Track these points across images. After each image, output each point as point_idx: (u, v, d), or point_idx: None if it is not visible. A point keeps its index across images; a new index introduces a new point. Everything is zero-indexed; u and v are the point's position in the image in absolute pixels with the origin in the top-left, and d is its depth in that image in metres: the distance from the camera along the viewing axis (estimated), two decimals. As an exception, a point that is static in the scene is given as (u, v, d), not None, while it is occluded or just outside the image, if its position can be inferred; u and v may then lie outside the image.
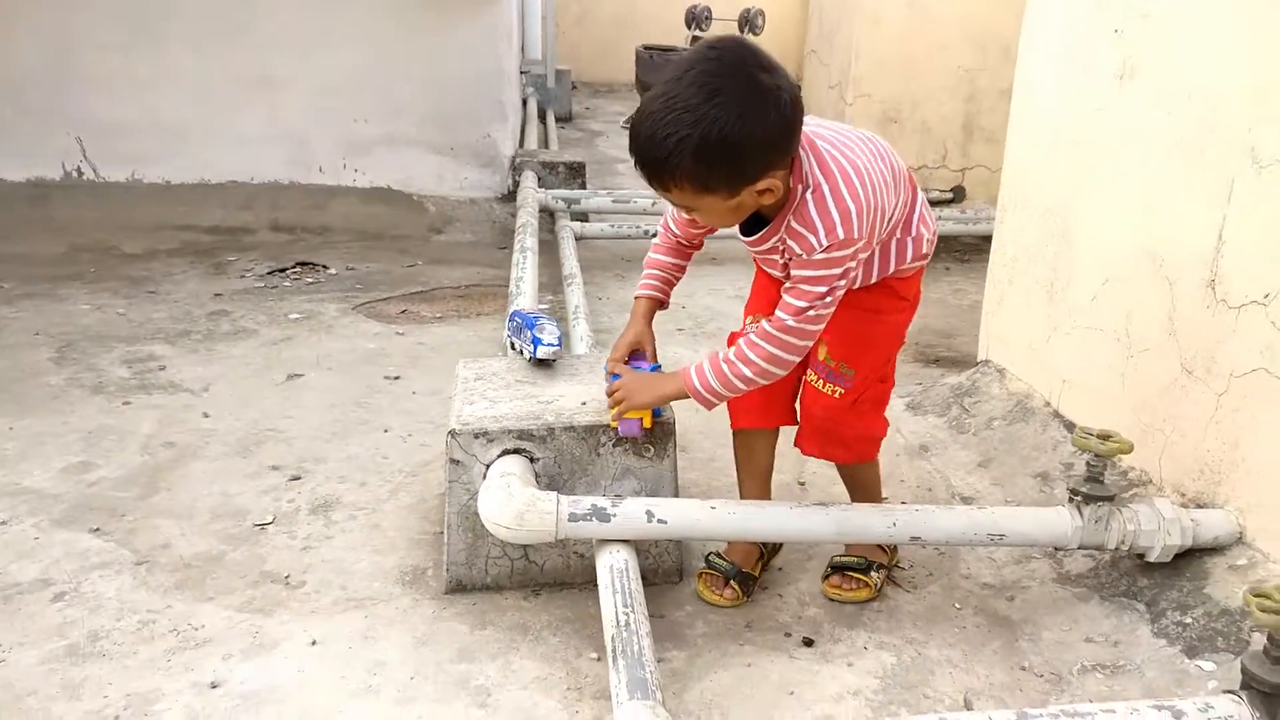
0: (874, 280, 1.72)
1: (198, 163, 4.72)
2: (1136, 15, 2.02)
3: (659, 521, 1.65)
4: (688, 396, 1.66)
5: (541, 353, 1.97)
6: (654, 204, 4.33)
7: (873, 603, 1.83)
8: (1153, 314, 1.96)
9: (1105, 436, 1.70)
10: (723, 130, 1.37)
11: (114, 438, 2.45)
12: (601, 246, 4.33)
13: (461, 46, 4.60)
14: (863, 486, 1.92)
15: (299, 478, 2.28)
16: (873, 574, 1.84)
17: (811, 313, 1.55)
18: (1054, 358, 2.33)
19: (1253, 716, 1.26)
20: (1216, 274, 1.78)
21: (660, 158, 1.41)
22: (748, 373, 1.60)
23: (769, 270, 1.75)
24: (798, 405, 1.84)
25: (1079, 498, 1.71)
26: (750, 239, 1.63)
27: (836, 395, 1.76)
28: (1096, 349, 2.15)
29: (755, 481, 1.93)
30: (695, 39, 8.31)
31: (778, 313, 1.57)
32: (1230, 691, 1.30)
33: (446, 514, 1.82)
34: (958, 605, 1.83)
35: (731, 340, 1.72)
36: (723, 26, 8.65)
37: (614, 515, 1.64)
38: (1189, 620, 1.65)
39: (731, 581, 1.82)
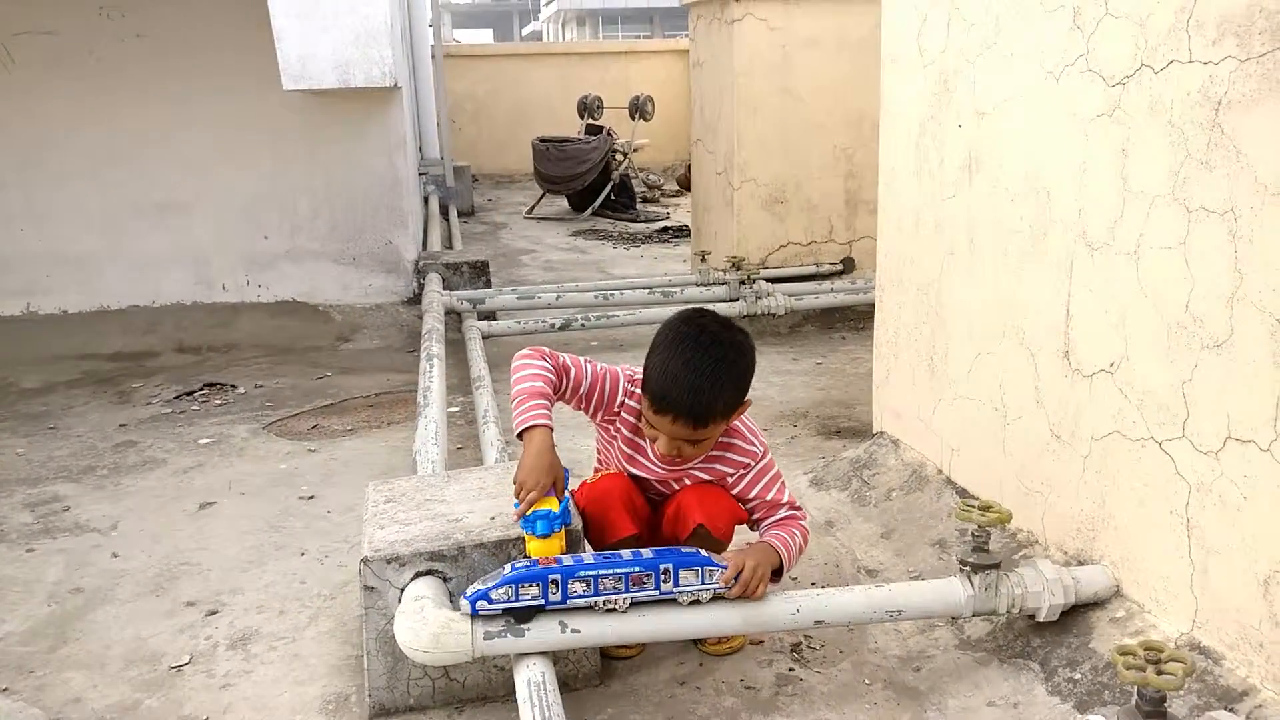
0: None
1: (97, 290, 4.68)
2: (972, 112, 2.21)
3: (573, 632, 1.69)
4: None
5: None
6: (557, 298, 4.44)
7: (790, 686, 1.89)
8: (1021, 383, 2.10)
9: (986, 508, 1.82)
10: (746, 363, 1.81)
11: (18, 588, 2.39)
12: (509, 342, 4.39)
13: (358, 159, 4.68)
14: None
15: (216, 612, 2.26)
16: None
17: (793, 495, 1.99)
18: (941, 427, 2.47)
19: (1132, 768, 1.35)
20: (1069, 345, 1.94)
21: (716, 408, 1.75)
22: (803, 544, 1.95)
23: (632, 468, 1.98)
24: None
25: (968, 567, 1.81)
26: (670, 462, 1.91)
27: None
28: (977, 418, 2.29)
29: None
30: (590, 128, 8.57)
31: (789, 511, 1.95)
32: (1111, 746, 1.40)
33: (364, 640, 1.83)
34: (867, 681, 1.90)
35: (585, 489, 1.99)
36: (614, 115, 8.96)
37: (528, 630, 1.68)
38: (1078, 676, 1.75)
39: None
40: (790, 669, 1.95)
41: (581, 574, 1.66)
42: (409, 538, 1.84)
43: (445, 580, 1.81)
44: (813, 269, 4.67)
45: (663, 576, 1.69)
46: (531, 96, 10.57)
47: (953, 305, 2.38)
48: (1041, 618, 1.83)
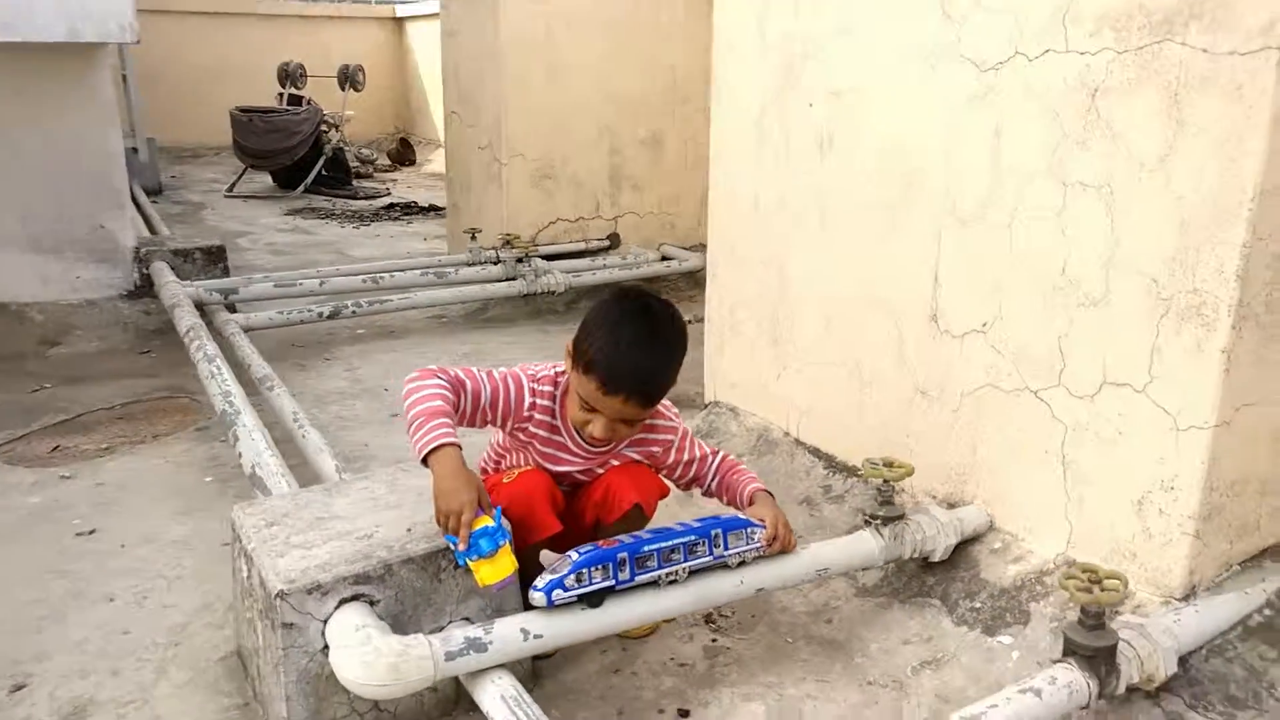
0: None
1: None
2: (826, 93, 2.32)
3: (535, 637, 1.60)
4: None
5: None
6: (321, 284, 4.09)
7: (720, 656, 1.91)
8: (882, 347, 2.26)
9: (889, 464, 1.94)
10: (686, 339, 1.78)
11: None
12: (270, 335, 3.99)
13: (58, 129, 3.98)
14: None
15: (23, 686, 1.86)
16: None
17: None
18: (787, 393, 2.59)
19: (1084, 675, 1.52)
20: (937, 310, 2.11)
21: (665, 385, 1.75)
22: None
23: (552, 466, 1.89)
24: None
25: (878, 520, 1.94)
26: (598, 450, 1.87)
27: None
28: (830, 382, 2.43)
29: None
30: (295, 98, 7.95)
31: (718, 456, 2.01)
32: (1059, 661, 1.56)
33: (282, 684, 1.59)
34: (789, 639, 1.97)
35: (502, 490, 1.82)
36: (319, 84, 8.37)
37: (490, 643, 1.56)
38: (978, 605, 1.94)
39: None
40: (713, 640, 1.98)
41: (646, 549, 1.65)
42: (323, 562, 1.63)
43: (372, 604, 1.63)
44: (582, 245, 4.68)
45: (714, 542, 1.71)
46: (214, 61, 9.55)
47: (799, 277, 2.50)
48: (937, 558, 2.00)
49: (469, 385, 1.76)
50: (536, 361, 1.92)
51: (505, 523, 1.64)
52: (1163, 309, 1.67)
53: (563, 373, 1.84)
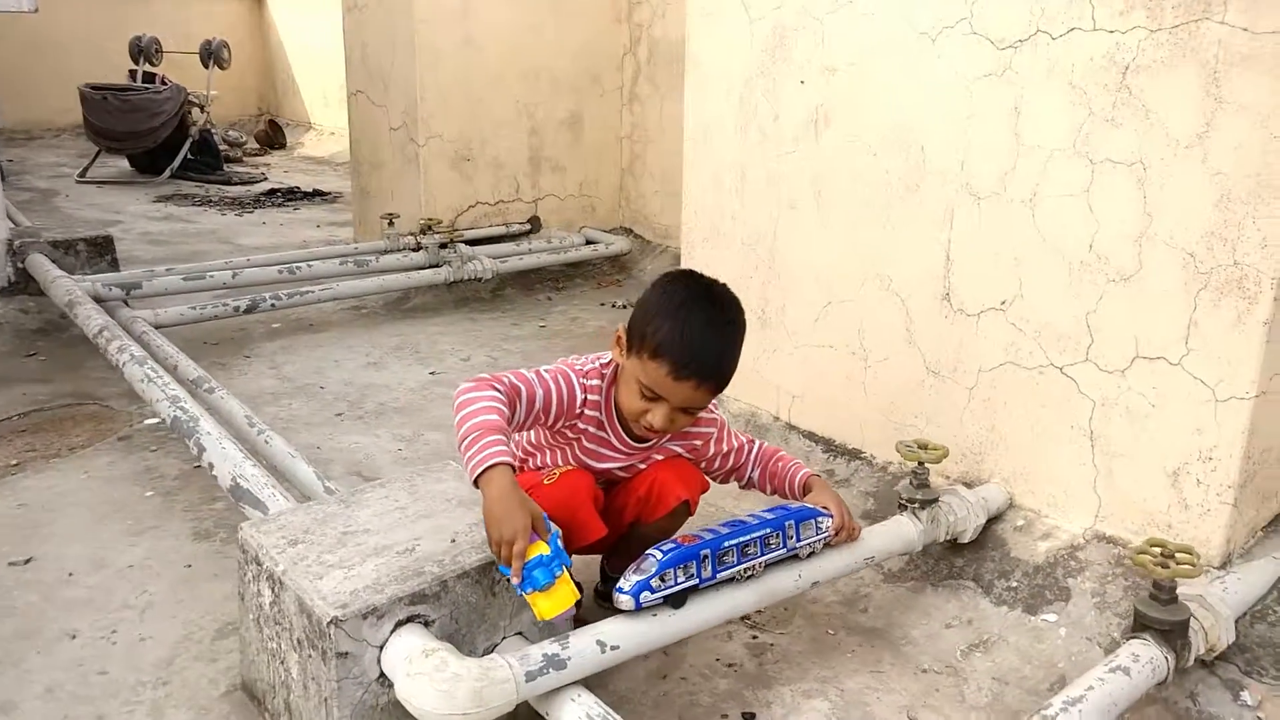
0: None
1: None
2: (820, 69, 2.28)
3: (613, 649, 1.49)
4: None
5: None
6: (234, 276, 3.77)
7: (766, 654, 1.86)
8: (887, 327, 2.25)
9: (923, 446, 1.93)
10: (744, 323, 1.70)
11: None
12: (177, 333, 3.65)
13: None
14: None
15: (-7, 743, 1.62)
16: None
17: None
18: (778, 377, 2.55)
19: (1161, 650, 1.54)
20: (949, 289, 2.11)
21: (734, 365, 1.66)
22: None
23: (594, 463, 1.80)
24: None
25: (915, 504, 1.92)
26: (643, 444, 1.79)
27: None
28: (828, 363, 2.40)
29: None
30: (149, 75, 7.37)
31: (755, 444, 1.93)
32: (1135, 636, 1.58)
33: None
34: (831, 631, 1.94)
35: (544, 491, 1.70)
36: (178, 61, 7.78)
37: (569, 659, 1.44)
38: (1014, 584, 1.95)
39: None
40: (754, 637, 1.92)
41: (726, 544, 1.59)
42: (371, 582, 1.48)
43: (427, 625, 1.49)
44: (502, 229, 4.51)
45: (788, 534, 1.65)
46: (46, 33, 8.66)
47: (792, 258, 2.45)
48: (966, 539, 2.01)
49: (524, 392, 1.65)
50: (575, 355, 1.80)
51: (561, 542, 1.51)
52: (1201, 283, 1.71)
53: (607, 364, 1.74)
